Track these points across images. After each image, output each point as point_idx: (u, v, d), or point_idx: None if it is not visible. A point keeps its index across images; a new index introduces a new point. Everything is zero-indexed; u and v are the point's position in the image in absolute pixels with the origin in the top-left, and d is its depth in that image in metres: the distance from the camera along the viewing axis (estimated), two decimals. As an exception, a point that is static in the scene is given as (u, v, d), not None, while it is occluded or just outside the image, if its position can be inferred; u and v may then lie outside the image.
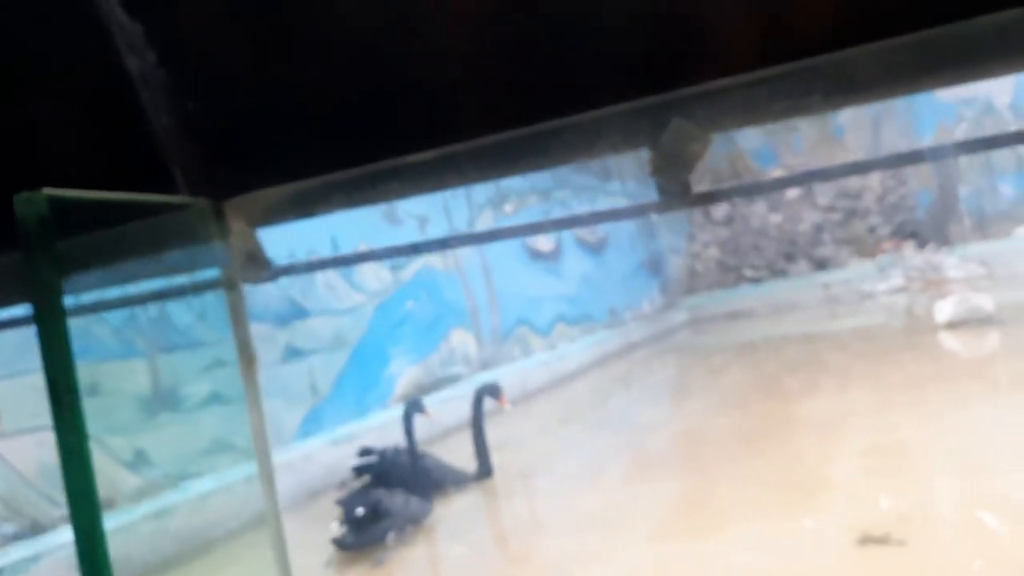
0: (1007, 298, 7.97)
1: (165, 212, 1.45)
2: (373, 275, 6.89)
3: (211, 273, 1.59)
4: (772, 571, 2.94)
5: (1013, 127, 13.85)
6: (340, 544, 4.12)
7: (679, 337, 12.97)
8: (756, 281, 15.49)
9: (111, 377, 4.60)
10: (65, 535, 4.08)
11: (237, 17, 1.43)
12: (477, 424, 5.05)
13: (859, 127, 16.21)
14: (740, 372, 8.17)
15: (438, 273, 7.80)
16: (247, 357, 1.57)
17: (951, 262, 13.19)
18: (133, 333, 4.77)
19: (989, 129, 14.14)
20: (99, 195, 1.26)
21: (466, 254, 8.31)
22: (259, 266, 1.54)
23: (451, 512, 4.69)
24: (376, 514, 4.10)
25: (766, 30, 1.19)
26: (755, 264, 15.74)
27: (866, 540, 2.92)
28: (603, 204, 12.19)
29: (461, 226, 8.23)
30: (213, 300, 1.56)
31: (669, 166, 1.36)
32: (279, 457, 5.73)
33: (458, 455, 5.71)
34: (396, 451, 5.08)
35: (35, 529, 4.05)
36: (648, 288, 13.74)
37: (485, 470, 5.05)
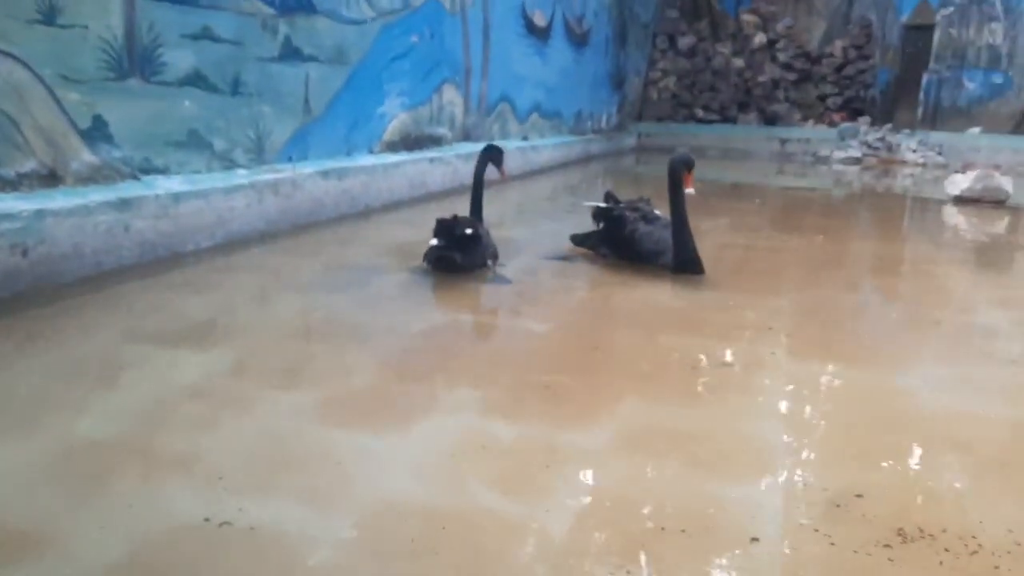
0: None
1: None
2: (384, -11, 5.42)
3: None
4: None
5: (1001, 16, 12.99)
6: (440, 260, 3.46)
7: (626, 161, 11.99)
8: (707, 123, 14.49)
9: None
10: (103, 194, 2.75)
11: None
12: (677, 207, 3.63)
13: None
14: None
15: (444, 13, 6.36)
16: None
17: (910, 144, 12.58)
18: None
19: (974, 15, 13.24)
20: None
21: (469, 4, 6.87)
22: None
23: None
24: (476, 238, 3.50)
25: None
26: (708, 106, 14.71)
27: None
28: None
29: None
30: None
31: None
32: (265, 175, 4.44)
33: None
34: (632, 208, 3.94)
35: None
36: (609, 103, 12.58)
37: (684, 262, 3.64)
